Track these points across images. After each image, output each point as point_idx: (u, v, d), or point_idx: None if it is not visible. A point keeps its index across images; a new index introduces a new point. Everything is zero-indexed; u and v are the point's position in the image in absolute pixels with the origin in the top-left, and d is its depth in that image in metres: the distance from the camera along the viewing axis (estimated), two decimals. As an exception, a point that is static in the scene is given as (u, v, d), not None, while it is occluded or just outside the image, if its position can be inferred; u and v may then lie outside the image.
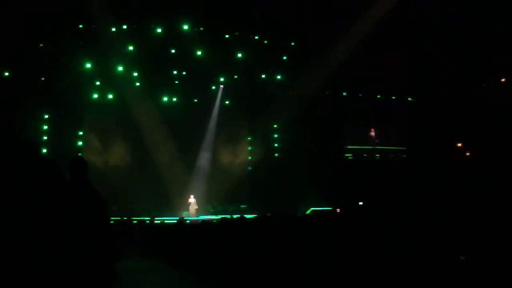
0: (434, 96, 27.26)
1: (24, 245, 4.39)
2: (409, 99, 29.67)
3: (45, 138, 24.62)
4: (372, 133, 29.56)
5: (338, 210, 20.44)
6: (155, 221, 21.66)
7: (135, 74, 25.63)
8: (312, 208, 25.35)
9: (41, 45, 23.91)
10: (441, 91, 26.59)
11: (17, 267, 4.30)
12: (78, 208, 5.30)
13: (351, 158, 29.20)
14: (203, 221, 17.52)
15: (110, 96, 26.07)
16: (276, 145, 28.93)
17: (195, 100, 27.92)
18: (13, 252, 4.31)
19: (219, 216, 18.40)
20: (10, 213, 4.44)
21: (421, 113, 28.09)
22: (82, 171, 5.71)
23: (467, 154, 28.19)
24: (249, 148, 29.31)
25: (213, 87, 27.97)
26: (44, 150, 24.12)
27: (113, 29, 24.19)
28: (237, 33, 26.10)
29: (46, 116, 24.90)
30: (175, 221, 19.98)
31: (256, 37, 26.45)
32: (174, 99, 27.33)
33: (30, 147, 5.10)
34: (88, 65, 24.67)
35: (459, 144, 28.58)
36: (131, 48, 24.79)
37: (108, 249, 5.53)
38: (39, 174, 4.92)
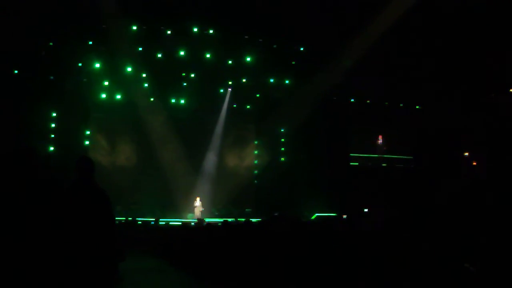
0: (441, 104, 27.17)
1: (27, 245, 4.40)
2: (417, 107, 29.59)
3: (52, 136, 24.63)
4: (380, 141, 29.47)
5: (344, 216, 20.39)
6: (160, 223, 21.67)
7: (144, 75, 25.67)
8: (317, 214, 25.31)
9: (50, 44, 24.00)
10: (449, 99, 26.52)
11: (20, 267, 4.30)
12: (82, 208, 5.30)
13: (355, 164, 29.14)
14: (208, 223, 17.53)
15: (118, 97, 26.11)
16: (282, 149, 28.91)
17: (203, 103, 27.92)
18: (16, 251, 4.32)
19: (223, 219, 18.43)
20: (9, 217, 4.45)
21: (428, 121, 27.98)
22: (88, 171, 5.72)
23: (474, 163, 28.11)
24: (256, 152, 29.29)
25: (221, 90, 28.02)
26: (52, 148, 24.17)
27: (123, 30, 24.27)
28: (246, 37, 26.12)
29: (54, 115, 24.91)
30: (182, 224, 20.07)
31: (265, 41, 26.47)
32: (182, 101, 27.35)
33: (25, 155, 5.09)
34: (97, 65, 24.76)
35: (466, 154, 28.48)
36: (140, 49, 24.86)
37: (112, 249, 5.53)
38: (33, 180, 4.92)
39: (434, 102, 27.39)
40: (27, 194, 4.70)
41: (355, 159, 29.22)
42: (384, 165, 29.41)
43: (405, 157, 29.58)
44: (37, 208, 4.66)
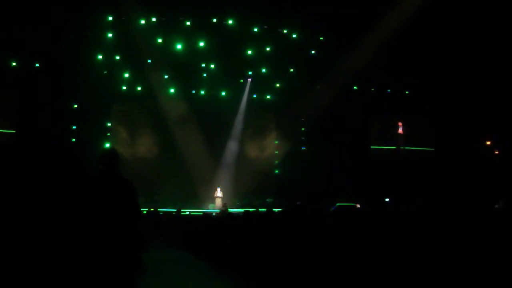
0: (461, 92, 26.86)
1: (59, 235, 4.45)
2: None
3: (74, 128, 24.81)
4: (400, 129, 29.19)
5: (358, 205, 20.34)
6: (182, 213, 21.76)
7: (164, 66, 25.76)
8: (337, 204, 25.22)
9: (71, 37, 24.16)
10: (469, 87, 26.21)
11: (48, 256, 4.36)
12: (109, 198, 5.36)
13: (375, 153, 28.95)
14: (230, 213, 17.57)
15: (139, 88, 26.27)
16: (303, 138, 28.86)
17: (223, 93, 27.96)
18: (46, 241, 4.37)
19: (244, 210, 18.44)
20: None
21: (449, 109, 27.69)
22: (114, 162, 5.79)
23: (496, 152, 27.80)
24: (276, 142, 29.26)
25: (241, 80, 28.01)
26: (73, 140, 24.40)
27: (143, 22, 24.35)
28: (265, 27, 26.06)
29: (75, 107, 25.09)
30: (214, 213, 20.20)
31: (285, 31, 26.40)
32: (202, 92, 27.44)
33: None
34: (117, 57, 24.90)
35: (488, 142, 28.17)
36: (160, 40, 24.94)
37: (135, 240, 5.58)
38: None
39: (454, 89, 27.09)
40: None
41: (375, 152, 28.97)
42: (405, 155, 29.12)
43: (426, 148, 29.22)
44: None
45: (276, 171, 28.77)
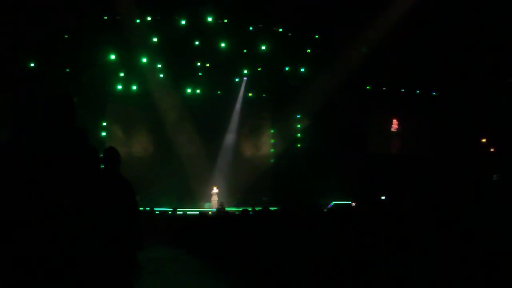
0: (458, 90, 26.87)
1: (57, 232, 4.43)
2: (434, 93, 29.30)
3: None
4: (395, 125, 29.22)
5: (353, 204, 20.37)
6: (178, 212, 21.76)
7: (159, 65, 25.74)
8: (334, 202, 25.24)
9: (66, 36, 24.07)
10: (466, 85, 26.22)
11: (43, 254, 4.34)
12: (108, 196, 5.35)
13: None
14: (226, 212, 17.56)
15: (134, 88, 26.26)
16: (298, 135, 28.88)
17: (219, 92, 27.98)
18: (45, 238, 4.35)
19: (241, 208, 18.43)
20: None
21: (446, 107, 27.68)
22: (115, 161, 5.86)
23: (492, 150, 27.80)
24: (272, 140, 29.31)
25: (237, 79, 28.01)
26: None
27: (137, 21, 24.26)
28: (261, 25, 26.00)
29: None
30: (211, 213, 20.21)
31: (280, 30, 26.33)
32: (198, 91, 27.44)
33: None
34: (113, 57, 24.81)
35: (484, 140, 28.17)
36: (155, 39, 24.85)
37: (131, 238, 5.58)
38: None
39: (452, 87, 27.10)
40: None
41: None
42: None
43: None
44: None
45: (272, 169, 28.78)
